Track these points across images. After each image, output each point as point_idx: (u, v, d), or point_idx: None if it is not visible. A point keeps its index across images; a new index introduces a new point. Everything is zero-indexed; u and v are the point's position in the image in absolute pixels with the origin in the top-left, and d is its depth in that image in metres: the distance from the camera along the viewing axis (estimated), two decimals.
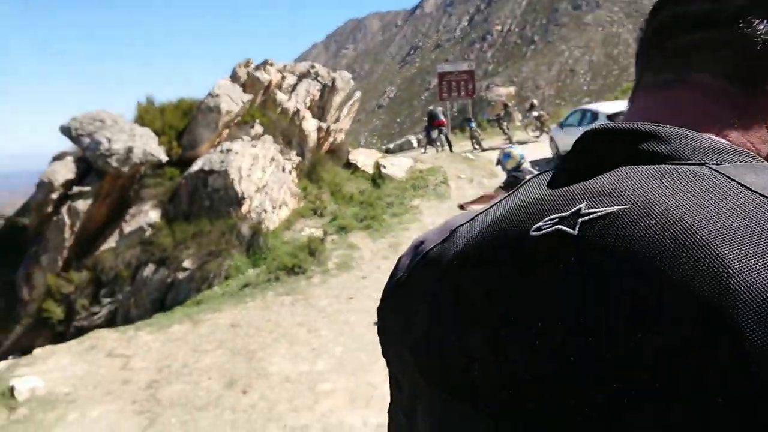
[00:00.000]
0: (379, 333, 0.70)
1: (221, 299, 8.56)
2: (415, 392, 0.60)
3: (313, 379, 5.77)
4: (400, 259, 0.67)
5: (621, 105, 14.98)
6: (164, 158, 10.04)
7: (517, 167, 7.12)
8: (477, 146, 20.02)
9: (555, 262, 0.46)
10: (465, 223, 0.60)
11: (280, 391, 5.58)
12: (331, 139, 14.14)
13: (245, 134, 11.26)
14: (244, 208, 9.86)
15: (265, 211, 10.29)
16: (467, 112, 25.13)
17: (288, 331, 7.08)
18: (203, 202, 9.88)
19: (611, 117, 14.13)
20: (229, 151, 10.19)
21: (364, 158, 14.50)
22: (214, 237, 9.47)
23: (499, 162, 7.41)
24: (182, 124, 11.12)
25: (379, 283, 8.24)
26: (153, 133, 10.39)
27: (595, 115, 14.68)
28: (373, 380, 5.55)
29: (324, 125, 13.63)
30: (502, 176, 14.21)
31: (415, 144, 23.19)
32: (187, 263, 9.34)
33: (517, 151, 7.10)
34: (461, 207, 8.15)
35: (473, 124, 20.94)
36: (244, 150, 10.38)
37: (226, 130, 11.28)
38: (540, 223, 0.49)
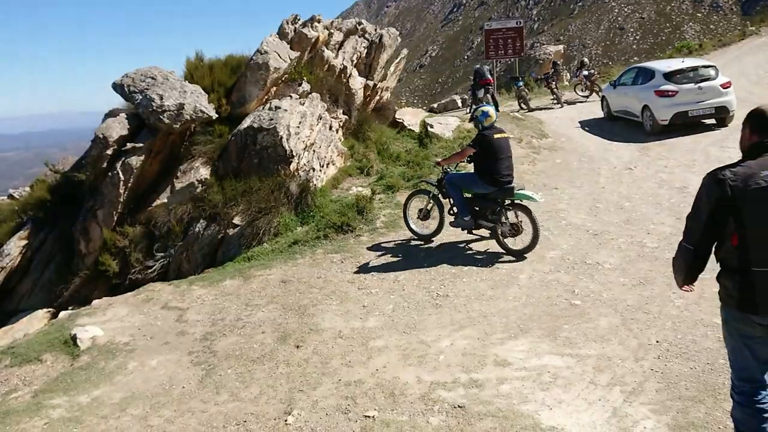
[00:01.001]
0: None
1: (271, 256, 8.66)
2: None
3: (366, 335, 5.81)
4: None
5: (677, 63, 14.35)
6: (214, 115, 10.06)
7: (491, 126, 7.54)
8: (524, 106, 19.59)
9: None
10: None
11: (333, 347, 5.64)
12: (377, 98, 14.00)
13: (293, 92, 11.20)
14: (293, 166, 9.86)
15: (313, 169, 10.29)
16: (513, 70, 24.53)
17: (338, 288, 7.13)
18: (252, 159, 9.92)
19: (668, 76, 13.57)
20: (277, 108, 10.16)
21: (411, 117, 14.34)
22: (263, 194, 9.52)
23: (475, 119, 7.77)
24: (231, 82, 11.09)
25: (429, 244, 8.21)
26: (202, 90, 10.41)
27: (651, 74, 14.10)
28: (425, 338, 5.56)
29: (370, 83, 13.48)
30: (552, 136, 13.91)
31: (459, 103, 22.81)
32: (237, 220, 9.45)
33: (493, 110, 7.69)
34: (438, 164, 8.27)
35: (521, 83, 20.43)
36: (292, 108, 10.33)
37: (274, 88, 11.23)
38: None
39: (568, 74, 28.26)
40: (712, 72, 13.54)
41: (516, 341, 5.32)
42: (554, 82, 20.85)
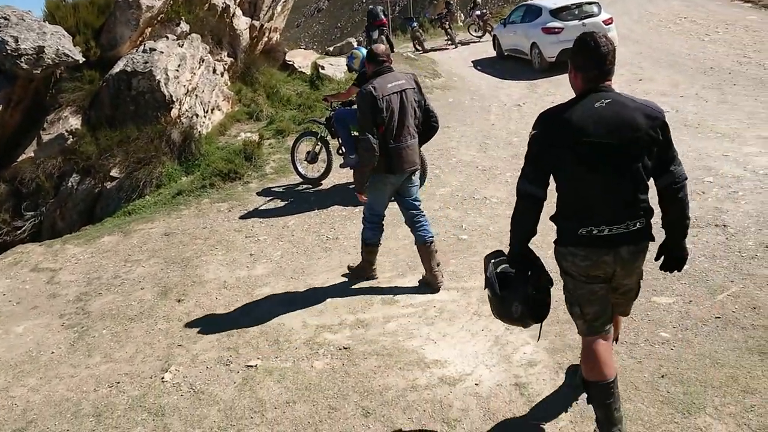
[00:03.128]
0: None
1: (153, 208, 8.17)
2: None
3: (252, 283, 5.58)
4: None
5: (563, 0, 14.58)
6: (80, 59, 9.19)
7: (363, 65, 7.33)
8: (419, 47, 19.43)
9: None
10: None
11: (217, 298, 5.38)
12: (265, 39, 13.35)
13: (170, 33, 10.43)
14: (174, 113, 9.25)
15: (197, 116, 9.71)
16: (407, 11, 24.23)
17: (224, 237, 6.81)
18: (128, 106, 9.21)
19: (554, 13, 13.79)
20: (152, 50, 9.43)
21: (302, 59, 13.85)
22: (142, 144, 8.90)
23: (348, 66, 8.15)
24: (99, 22, 10.17)
25: (318, 187, 8.00)
26: (66, 32, 9.46)
27: (538, 12, 14.28)
28: (313, 283, 5.41)
29: (257, 23, 12.80)
30: (445, 75, 13.88)
31: (355, 46, 22.27)
32: (114, 172, 8.81)
33: (360, 51, 7.83)
34: (325, 99, 8.19)
35: (415, 24, 20.22)
36: (169, 50, 9.62)
37: (149, 29, 10.41)
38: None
39: (462, 15, 28.26)
40: (595, 9, 13.88)
41: (404, 278, 5.28)
42: (448, 23, 20.77)
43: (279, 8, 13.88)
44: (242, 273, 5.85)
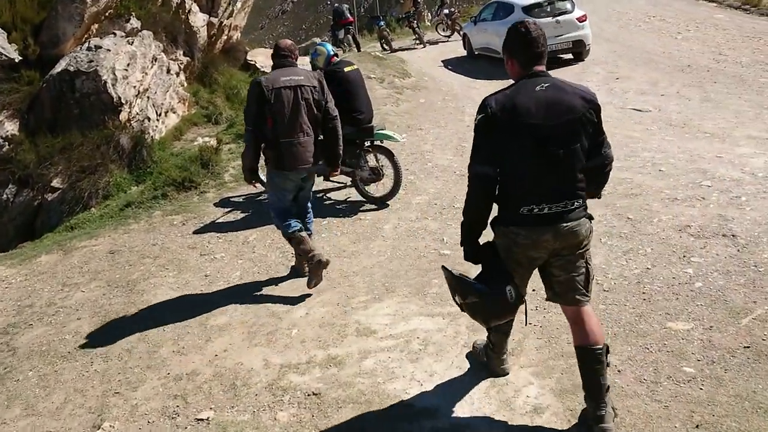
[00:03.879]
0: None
1: (99, 222, 7.36)
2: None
3: (206, 311, 4.87)
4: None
5: None
6: (16, 57, 8.33)
7: (329, 62, 6.79)
8: (386, 47, 18.83)
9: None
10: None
11: (165, 330, 4.65)
12: (224, 37, 12.56)
13: (119, 29, 9.59)
14: (123, 116, 8.45)
15: (149, 119, 8.90)
16: (374, 10, 23.63)
17: (177, 255, 6.06)
18: (71, 109, 8.36)
19: (526, 10, 13.32)
20: (98, 48, 8.59)
21: (264, 58, 13.08)
22: (87, 150, 8.07)
23: (312, 64, 7.06)
24: (39, 18, 9.26)
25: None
26: (1, 27, 8.58)
27: (510, 9, 13.79)
28: (276, 309, 4.72)
29: (215, 21, 12.01)
30: (415, 75, 13.29)
31: (319, 42, 21.63)
32: (56, 182, 7.96)
33: (324, 47, 7.00)
34: None
35: (382, 23, 19.64)
36: (117, 47, 8.80)
37: (96, 25, 9.55)
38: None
39: (429, 14, 27.77)
40: (568, 5, 13.46)
41: (381, 303, 4.63)
42: (415, 22, 20.18)
43: (239, 5, 13.08)
44: (195, 298, 5.13)
